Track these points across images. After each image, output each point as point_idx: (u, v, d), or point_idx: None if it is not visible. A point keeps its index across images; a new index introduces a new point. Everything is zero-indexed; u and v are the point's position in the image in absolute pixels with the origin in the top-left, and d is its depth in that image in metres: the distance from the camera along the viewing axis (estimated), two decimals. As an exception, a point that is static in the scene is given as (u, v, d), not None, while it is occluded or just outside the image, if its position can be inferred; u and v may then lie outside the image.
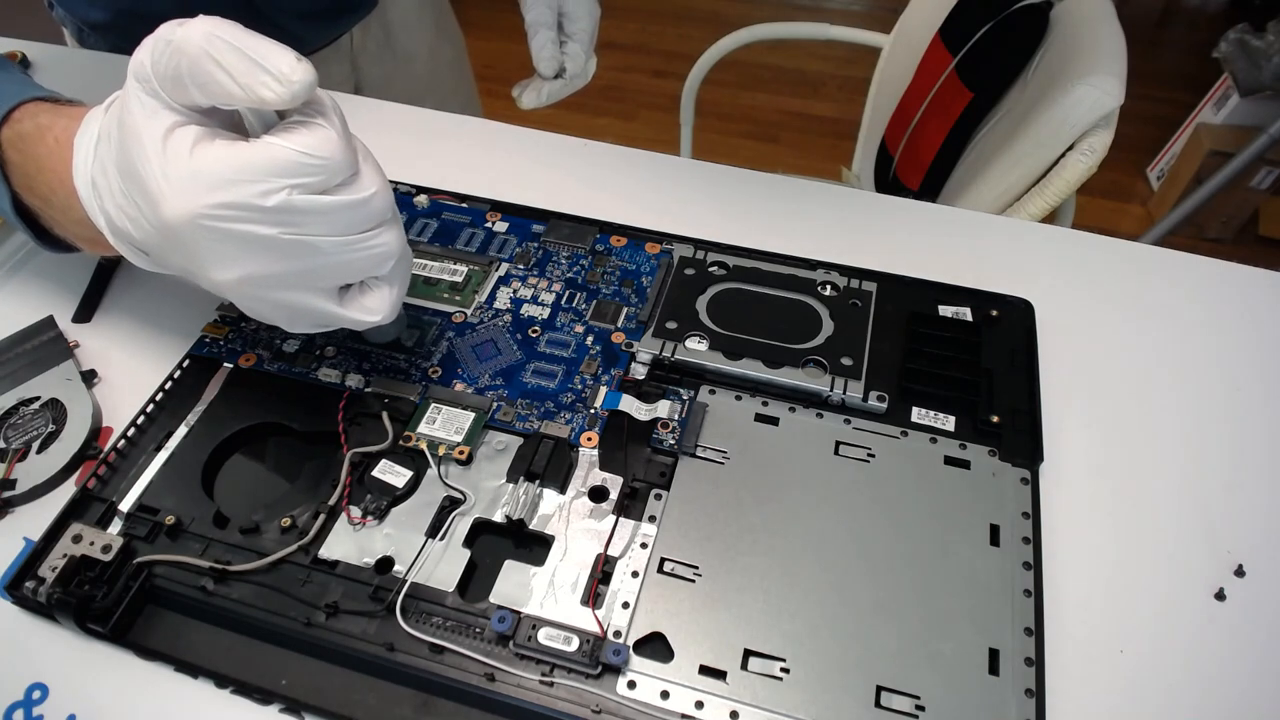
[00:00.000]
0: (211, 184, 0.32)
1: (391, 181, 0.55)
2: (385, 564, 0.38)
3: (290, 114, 0.33)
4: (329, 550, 0.38)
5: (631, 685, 0.34)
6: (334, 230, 0.34)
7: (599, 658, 0.34)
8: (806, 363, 0.45)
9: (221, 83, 0.31)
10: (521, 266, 0.51)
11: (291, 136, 0.32)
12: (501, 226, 0.54)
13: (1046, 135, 0.71)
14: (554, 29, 0.62)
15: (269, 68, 0.31)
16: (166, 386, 0.45)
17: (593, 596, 0.37)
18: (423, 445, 0.41)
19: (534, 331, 0.47)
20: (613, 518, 0.39)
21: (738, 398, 0.44)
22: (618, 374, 0.45)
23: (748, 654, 0.35)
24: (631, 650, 0.35)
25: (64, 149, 0.37)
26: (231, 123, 0.34)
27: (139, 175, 0.33)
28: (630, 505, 0.40)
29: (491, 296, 0.49)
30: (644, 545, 0.38)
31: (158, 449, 0.42)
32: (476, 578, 0.38)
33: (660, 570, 0.38)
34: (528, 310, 0.49)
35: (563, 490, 0.40)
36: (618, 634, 0.35)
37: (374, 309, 0.38)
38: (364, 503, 0.40)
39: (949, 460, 0.41)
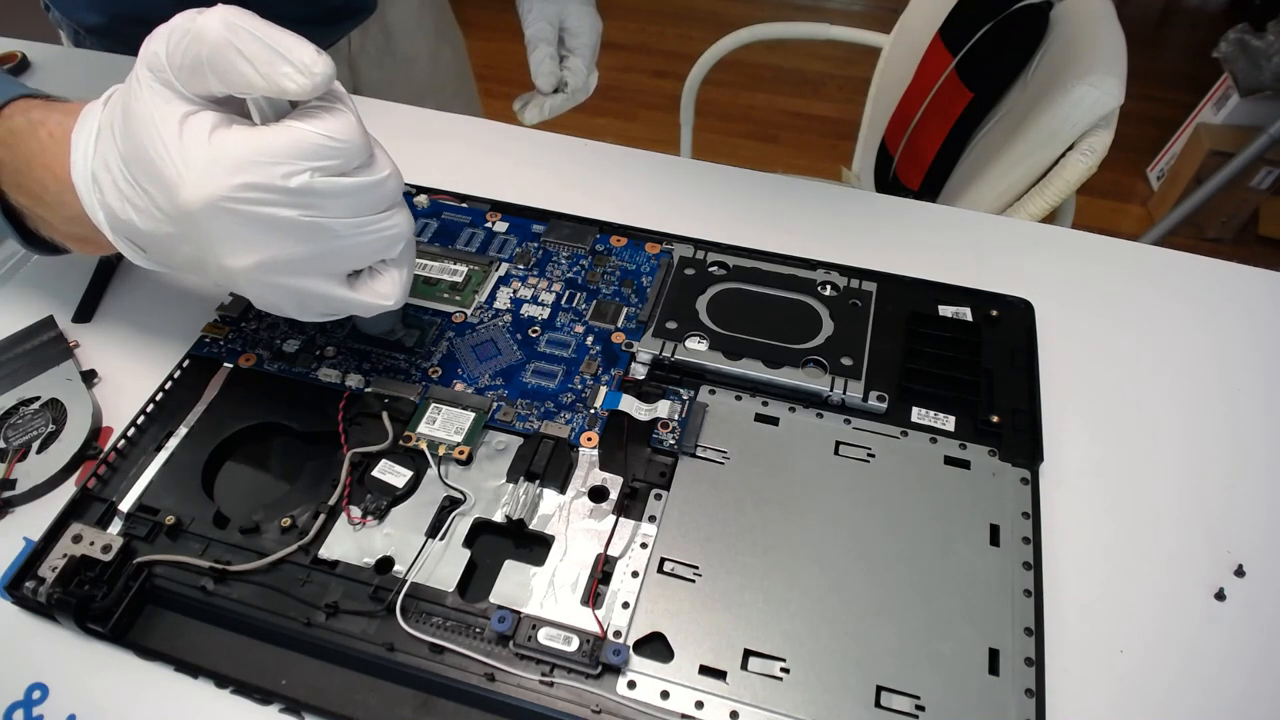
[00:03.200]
0: (233, 166, 0.32)
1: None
2: (385, 564, 0.38)
3: (305, 100, 0.34)
4: (329, 550, 0.38)
5: (631, 685, 0.34)
6: (351, 212, 0.34)
7: (599, 658, 0.34)
8: (806, 363, 0.45)
9: (243, 72, 0.31)
10: (521, 266, 0.51)
11: (313, 121, 0.33)
12: (501, 226, 0.54)
13: (1046, 135, 0.71)
14: (554, 44, 0.63)
15: (291, 59, 0.31)
16: (166, 386, 0.45)
17: (593, 596, 0.37)
18: (423, 445, 0.41)
19: (534, 331, 0.47)
20: (613, 518, 0.39)
21: (738, 398, 0.44)
22: (618, 374, 0.45)
23: (748, 654, 0.35)
24: (631, 650, 0.35)
25: (59, 144, 0.37)
26: (240, 112, 0.34)
27: (153, 163, 0.32)
28: (630, 505, 0.40)
29: (491, 296, 0.49)
30: (644, 545, 0.38)
31: (158, 449, 0.42)
32: (476, 578, 0.38)
33: (660, 570, 0.38)
34: (528, 310, 0.49)
35: (563, 490, 0.40)
36: (618, 634, 0.35)
37: (386, 293, 0.38)
38: (364, 503, 0.40)
39: (949, 460, 0.41)
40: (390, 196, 0.36)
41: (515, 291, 0.50)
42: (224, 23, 0.31)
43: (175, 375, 0.45)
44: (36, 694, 0.36)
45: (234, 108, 0.34)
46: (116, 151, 0.34)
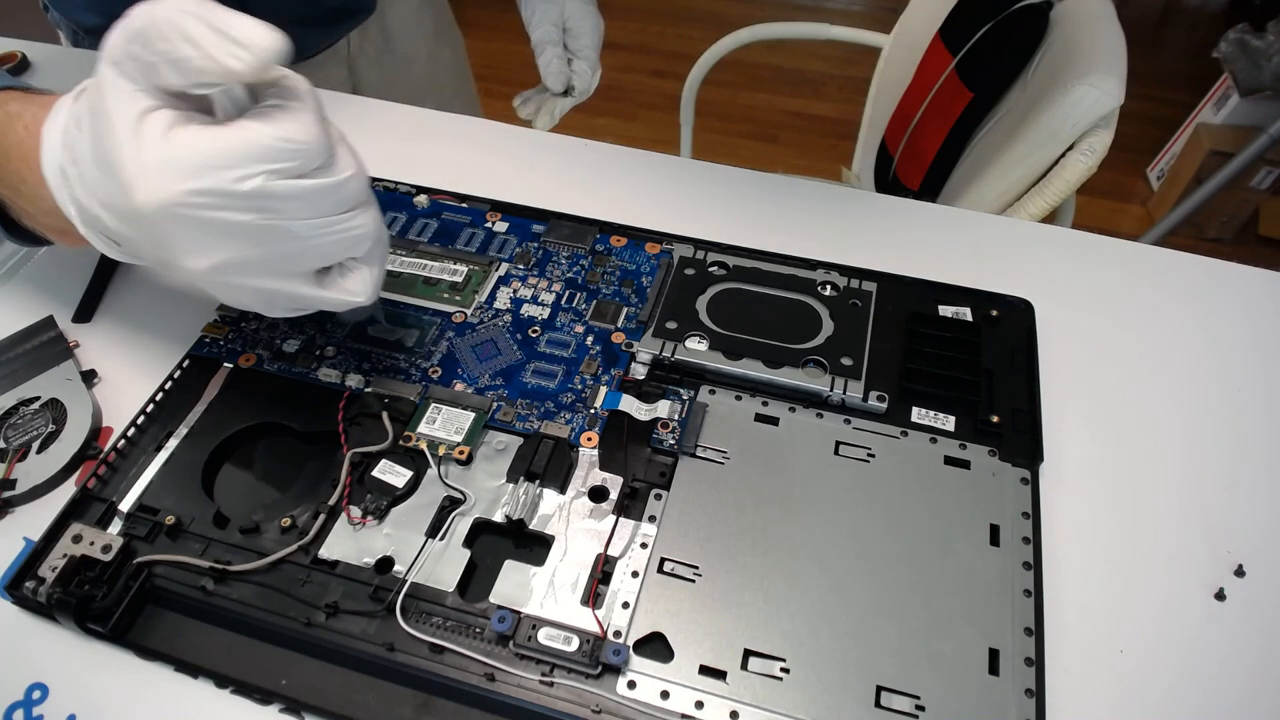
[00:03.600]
0: (186, 170, 0.31)
1: (392, 181, 0.56)
2: (385, 564, 0.38)
3: (266, 97, 0.33)
4: (329, 550, 0.38)
5: (631, 685, 0.34)
6: (310, 214, 0.33)
7: (599, 658, 0.34)
8: (806, 363, 0.45)
9: (189, 57, 0.30)
10: (521, 266, 0.51)
11: (268, 121, 0.32)
12: (501, 226, 0.54)
13: (1046, 135, 0.71)
14: (560, 45, 0.64)
15: (236, 37, 0.30)
16: (166, 386, 0.45)
17: (593, 596, 0.37)
18: (423, 445, 0.41)
19: (534, 331, 0.47)
20: (613, 518, 0.39)
21: (738, 398, 0.44)
22: (618, 374, 0.45)
23: (748, 654, 0.35)
24: (631, 650, 0.35)
25: (34, 137, 0.37)
26: (208, 109, 0.34)
27: (111, 161, 0.32)
28: (630, 505, 0.40)
29: (491, 296, 0.49)
30: (644, 545, 0.38)
31: (158, 449, 0.42)
32: (476, 578, 0.38)
33: (660, 570, 0.38)
34: (528, 310, 0.49)
35: (563, 490, 0.40)
36: (618, 634, 0.35)
37: (355, 291, 0.37)
38: (364, 503, 0.40)
39: (949, 460, 0.41)
40: (353, 197, 0.35)
41: (515, 291, 0.50)
42: (173, 9, 0.30)
43: (175, 375, 0.45)
44: (36, 694, 0.36)
45: (200, 103, 0.33)
46: (84, 147, 0.34)
